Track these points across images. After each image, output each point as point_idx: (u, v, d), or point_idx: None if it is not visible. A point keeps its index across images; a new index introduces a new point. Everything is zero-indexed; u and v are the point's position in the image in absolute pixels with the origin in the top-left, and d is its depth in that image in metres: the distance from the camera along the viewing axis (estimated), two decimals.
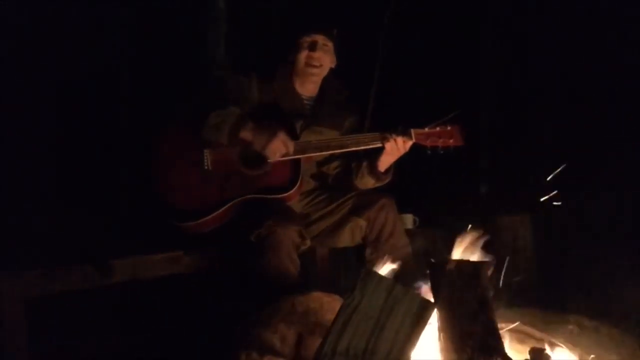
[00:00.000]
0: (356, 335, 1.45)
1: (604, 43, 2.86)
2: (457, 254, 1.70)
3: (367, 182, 2.39)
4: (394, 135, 2.24)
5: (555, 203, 2.44)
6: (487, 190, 3.40)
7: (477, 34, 3.39)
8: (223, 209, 2.20)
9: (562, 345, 1.74)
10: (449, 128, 2.28)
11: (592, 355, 1.74)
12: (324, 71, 2.38)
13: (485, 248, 1.71)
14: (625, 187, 2.76)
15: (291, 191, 2.24)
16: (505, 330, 1.75)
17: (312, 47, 2.29)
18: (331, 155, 2.39)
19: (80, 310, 2.25)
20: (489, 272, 1.66)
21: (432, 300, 1.59)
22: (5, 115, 2.55)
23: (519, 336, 1.82)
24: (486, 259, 1.67)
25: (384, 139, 2.25)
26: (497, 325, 1.59)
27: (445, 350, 1.55)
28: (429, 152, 2.28)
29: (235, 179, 2.23)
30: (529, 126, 3.23)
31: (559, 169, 2.38)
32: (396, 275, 1.62)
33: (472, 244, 1.70)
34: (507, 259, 2.08)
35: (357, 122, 2.54)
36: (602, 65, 2.87)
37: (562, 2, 3.01)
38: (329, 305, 1.76)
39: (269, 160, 2.19)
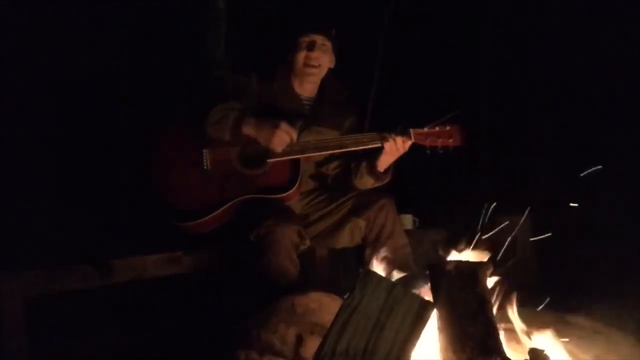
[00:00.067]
0: (356, 336, 1.45)
1: (604, 43, 2.86)
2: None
3: (366, 182, 2.39)
4: (393, 135, 2.24)
5: (572, 204, 2.43)
6: (487, 190, 3.40)
7: (477, 34, 3.38)
8: (222, 208, 2.20)
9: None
10: (448, 128, 2.28)
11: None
12: (323, 71, 2.38)
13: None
14: (625, 187, 2.75)
15: (290, 191, 2.24)
16: (505, 331, 1.75)
17: (311, 47, 2.30)
18: (330, 155, 2.40)
19: (80, 310, 2.25)
20: (489, 273, 1.66)
21: (432, 300, 1.59)
22: (5, 115, 2.55)
23: (518, 337, 1.82)
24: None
25: (383, 139, 2.25)
26: (496, 325, 1.59)
27: (444, 350, 1.55)
28: (428, 152, 2.28)
29: (235, 179, 2.23)
30: (529, 126, 3.23)
31: (593, 169, 2.36)
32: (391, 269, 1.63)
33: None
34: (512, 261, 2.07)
35: (357, 122, 2.54)
36: (602, 65, 2.87)
37: (562, 2, 3.01)
38: (328, 305, 1.76)
39: (276, 152, 2.19)
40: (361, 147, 2.28)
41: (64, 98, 2.75)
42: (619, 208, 2.77)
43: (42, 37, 2.64)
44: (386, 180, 2.39)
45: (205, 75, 2.98)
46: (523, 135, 3.21)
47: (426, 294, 1.68)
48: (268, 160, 2.23)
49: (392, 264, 1.66)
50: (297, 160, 2.27)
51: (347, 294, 1.50)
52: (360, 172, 2.37)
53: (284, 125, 2.17)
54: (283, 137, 2.17)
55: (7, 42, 2.56)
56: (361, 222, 2.31)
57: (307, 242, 2.22)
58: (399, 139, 2.24)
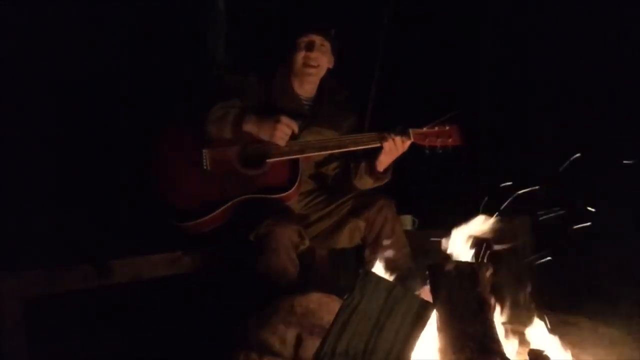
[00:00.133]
0: (355, 336, 1.45)
1: (604, 43, 2.86)
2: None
3: (365, 182, 2.39)
4: (392, 135, 2.24)
5: (590, 208, 2.43)
6: (486, 190, 3.39)
7: (477, 34, 3.38)
8: (222, 208, 2.21)
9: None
10: (447, 128, 2.28)
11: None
12: (322, 71, 2.38)
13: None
14: (625, 187, 2.75)
15: (290, 191, 2.24)
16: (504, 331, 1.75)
17: (310, 47, 2.30)
18: (330, 155, 2.40)
19: (80, 310, 2.25)
20: (488, 273, 1.66)
21: (432, 300, 1.60)
22: (5, 115, 2.55)
23: (518, 337, 1.82)
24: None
25: (382, 139, 2.25)
26: (495, 326, 1.59)
27: (444, 350, 1.55)
28: (427, 151, 2.28)
29: (234, 179, 2.24)
30: (529, 126, 3.23)
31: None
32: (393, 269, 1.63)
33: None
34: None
35: (356, 122, 2.54)
36: (602, 65, 2.86)
37: (562, 2, 3.01)
38: (328, 305, 1.76)
39: (279, 145, 2.20)
40: (360, 147, 2.28)
41: (64, 98, 2.74)
42: (619, 208, 2.76)
43: (42, 37, 2.64)
44: (385, 180, 2.39)
45: (205, 75, 2.98)
46: (523, 135, 3.21)
47: (426, 294, 1.68)
48: (267, 160, 2.23)
49: (391, 264, 1.66)
50: (297, 160, 2.27)
51: (347, 294, 1.50)
52: (360, 172, 2.37)
53: (284, 119, 2.18)
54: (284, 130, 2.18)
55: (7, 42, 2.56)
56: (361, 223, 2.31)
57: (307, 242, 2.22)
58: (398, 139, 2.24)
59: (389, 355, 1.44)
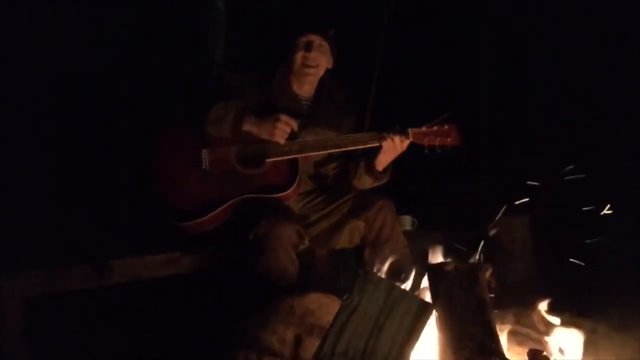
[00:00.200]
0: (355, 336, 1.45)
1: (604, 43, 2.86)
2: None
3: (364, 182, 2.39)
4: (391, 135, 2.24)
5: (606, 211, 2.43)
6: (486, 190, 3.40)
7: (477, 34, 3.38)
8: (221, 208, 2.21)
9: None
10: (446, 127, 2.27)
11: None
12: (320, 71, 2.38)
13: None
14: (625, 187, 2.76)
15: (289, 190, 2.24)
16: (504, 332, 1.76)
17: (308, 47, 2.30)
18: (329, 155, 2.40)
19: (80, 310, 2.25)
20: (487, 274, 1.66)
21: (431, 301, 1.60)
22: (5, 115, 2.55)
23: (518, 338, 1.82)
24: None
25: (381, 138, 2.25)
26: (495, 326, 1.59)
27: (443, 351, 1.55)
28: (426, 151, 2.28)
29: (234, 178, 2.24)
30: (529, 126, 3.23)
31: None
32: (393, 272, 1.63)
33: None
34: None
35: (356, 122, 2.54)
36: (602, 65, 2.87)
37: (562, 2, 3.01)
38: (327, 306, 1.76)
39: (279, 143, 2.20)
40: (360, 147, 2.28)
41: (64, 98, 2.74)
42: (619, 207, 2.77)
43: (42, 37, 2.64)
44: (385, 180, 2.39)
45: (205, 75, 2.98)
46: (523, 135, 3.21)
47: (425, 294, 1.69)
48: (267, 160, 2.23)
49: (391, 265, 1.66)
50: (296, 160, 2.27)
51: (346, 294, 1.50)
52: (359, 171, 2.37)
53: (283, 117, 2.18)
54: (284, 127, 2.18)
55: (7, 42, 2.56)
56: (360, 223, 2.31)
57: (306, 242, 2.22)
58: (397, 138, 2.24)
59: (388, 355, 1.44)
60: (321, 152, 2.32)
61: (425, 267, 1.70)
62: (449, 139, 2.27)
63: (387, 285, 1.51)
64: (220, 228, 2.24)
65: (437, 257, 1.77)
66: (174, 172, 2.25)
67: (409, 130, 2.27)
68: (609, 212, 2.41)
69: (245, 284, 2.17)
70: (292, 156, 2.25)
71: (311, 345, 1.58)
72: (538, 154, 3.08)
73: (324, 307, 1.76)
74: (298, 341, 1.65)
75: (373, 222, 2.30)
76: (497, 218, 2.25)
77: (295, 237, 2.16)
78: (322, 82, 2.43)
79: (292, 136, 2.26)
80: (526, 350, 1.68)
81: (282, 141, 2.20)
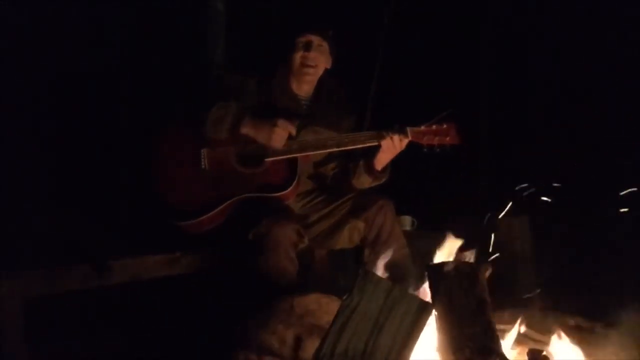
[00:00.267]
0: (355, 337, 1.45)
1: (604, 43, 2.86)
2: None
3: (364, 181, 2.39)
4: (390, 133, 2.24)
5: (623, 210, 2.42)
6: (486, 190, 3.40)
7: (477, 34, 3.39)
8: (221, 207, 2.21)
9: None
10: (445, 126, 2.27)
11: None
12: (319, 71, 2.38)
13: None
14: (624, 186, 2.75)
15: (288, 189, 2.24)
16: (504, 332, 1.76)
17: (307, 47, 2.30)
18: (328, 154, 2.40)
19: (80, 310, 2.25)
20: (487, 274, 1.66)
21: (431, 301, 1.60)
22: (5, 115, 2.55)
23: (517, 338, 1.82)
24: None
25: (380, 137, 2.25)
26: (495, 326, 1.59)
27: (443, 351, 1.55)
28: (425, 150, 2.28)
29: (233, 178, 2.24)
30: (529, 126, 3.23)
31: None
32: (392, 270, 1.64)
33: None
34: None
35: (355, 122, 2.54)
36: (602, 65, 2.87)
37: (562, 2, 3.01)
38: (327, 306, 1.76)
39: (276, 148, 2.20)
40: (359, 146, 2.28)
41: (64, 98, 2.74)
42: (619, 207, 2.77)
43: (42, 37, 2.64)
44: (384, 179, 2.39)
45: (205, 75, 2.98)
46: (523, 135, 3.21)
47: (425, 294, 1.69)
48: (266, 160, 2.23)
49: (391, 265, 1.66)
50: (295, 159, 2.27)
51: (346, 294, 1.50)
52: (358, 171, 2.37)
53: (281, 122, 2.18)
54: (281, 133, 2.19)
55: (7, 42, 2.56)
56: (360, 224, 2.31)
57: (306, 241, 2.23)
58: (396, 137, 2.24)
59: (388, 355, 1.44)
60: (320, 152, 2.32)
61: (425, 267, 1.70)
62: (447, 138, 2.27)
63: (386, 286, 1.51)
64: (220, 228, 2.24)
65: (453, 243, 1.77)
66: (173, 172, 2.25)
67: (408, 129, 2.27)
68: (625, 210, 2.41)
69: (245, 284, 2.17)
70: (292, 155, 2.25)
71: (311, 345, 1.58)
72: (538, 154, 3.08)
73: (323, 307, 1.76)
74: (298, 341, 1.65)
75: (373, 222, 2.30)
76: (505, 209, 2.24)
77: (295, 236, 2.16)
78: (321, 82, 2.44)
79: (291, 136, 2.26)
80: (525, 350, 1.68)
81: (279, 147, 2.20)
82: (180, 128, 2.31)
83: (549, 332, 1.85)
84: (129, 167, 2.80)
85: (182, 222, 2.21)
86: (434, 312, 1.56)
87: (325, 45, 2.34)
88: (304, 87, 2.41)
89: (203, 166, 2.24)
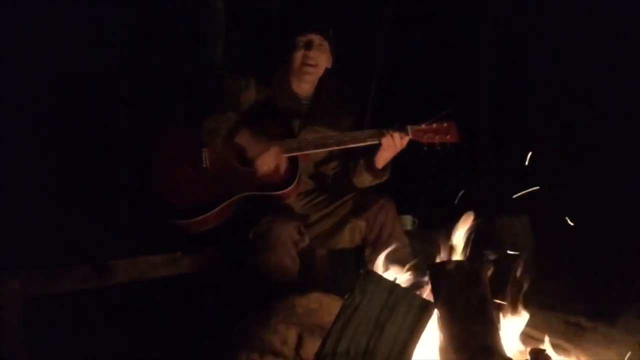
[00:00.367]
0: (356, 336, 1.45)
1: (604, 43, 2.87)
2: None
3: (364, 180, 2.39)
4: (390, 132, 2.24)
5: None
6: (486, 190, 3.40)
7: (477, 34, 3.39)
8: (221, 206, 2.20)
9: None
10: (445, 125, 2.28)
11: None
12: (320, 70, 2.38)
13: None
14: (624, 186, 2.76)
15: (289, 188, 2.24)
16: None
17: (308, 46, 2.31)
18: (329, 153, 2.40)
19: (80, 310, 2.25)
20: (489, 272, 1.66)
21: (433, 300, 1.59)
22: (5, 115, 2.55)
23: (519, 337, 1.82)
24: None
25: (380, 135, 2.25)
26: (496, 325, 1.59)
27: (445, 350, 1.55)
28: (425, 148, 2.28)
29: (233, 176, 2.24)
30: (529, 126, 3.24)
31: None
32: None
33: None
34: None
35: (355, 121, 2.54)
36: (602, 65, 2.87)
37: (562, 2, 3.02)
38: (329, 306, 1.76)
39: (257, 170, 2.18)
40: (359, 144, 2.28)
41: (64, 98, 2.74)
42: (618, 207, 2.77)
43: (42, 37, 2.64)
44: (384, 178, 2.39)
45: (205, 75, 2.97)
46: (523, 135, 3.21)
47: (426, 293, 1.68)
48: (257, 169, 2.22)
49: (392, 264, 1.66)
50: (295, 158, 2.27)
51: (348, 294, 1.50)
52: (359, 169, 2.37)
53: (274, 149, 2.17)
54: (270, 160, 2.16)
55: (7, 42, 2.56)
56: (361, 223, 2.31)
57: (307, 239, 2.22)
58: (396, 135, 2.24)
59: (390, 355, 1.44)
60: (321, 150, 2.31)
61: (427, 266, 1.70)
62: (448, 137, 2.27)
63: (388, 285, 1.51)
64: (220, 227, 2.24)
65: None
66: (174, 171, 2.25)
67: (409, 127, 2.27)
68: None
69: (245, 284, 2.17)
70: (292, 154, 2.25)
71: (313, 345, 1.58)
72: (538, 154, 3.07)
73: (325, 306, 1.76)
74: (299, 341, 1.65)
75: (374, 222, 2.30)
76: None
77: (295, 234, 2.16)
78: (321, 82, 2.44)
79: (292, 135, 2.26)
80: (527, 350, 1.68)
81: (262, 172, 2.16)
82: (180, 128, 2.30)
83: (550, 332, 1.85)
84: (129, 167, 2.80)
85: (182, 220, 2.21)
86: (436, 311, 1.56)
87: (325, 44, 2.35)
88: (304, 86, 2.41)
89: (204, 165, 2.24)
